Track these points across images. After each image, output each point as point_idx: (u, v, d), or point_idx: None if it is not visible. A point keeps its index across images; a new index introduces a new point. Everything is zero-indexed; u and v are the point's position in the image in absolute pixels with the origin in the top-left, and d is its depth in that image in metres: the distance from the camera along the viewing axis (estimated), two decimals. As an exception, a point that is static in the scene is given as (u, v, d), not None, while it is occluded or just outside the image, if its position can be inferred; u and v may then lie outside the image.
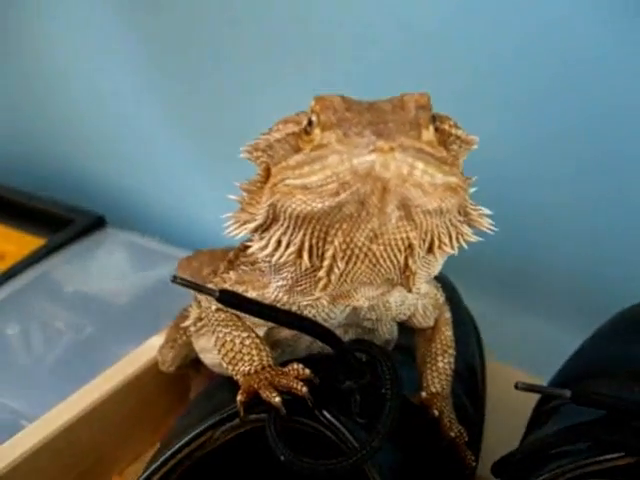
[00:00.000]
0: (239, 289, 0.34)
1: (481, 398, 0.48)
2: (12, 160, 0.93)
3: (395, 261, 0.30)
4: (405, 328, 0.39)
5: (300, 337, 0.35)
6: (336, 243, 0.28)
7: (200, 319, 0.40)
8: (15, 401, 0.61)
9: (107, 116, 0.82)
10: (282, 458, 0.29)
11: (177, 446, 0.33)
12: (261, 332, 0.35)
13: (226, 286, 0.34)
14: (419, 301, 0.36)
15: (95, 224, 0.78)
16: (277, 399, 0.30)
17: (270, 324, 0.34)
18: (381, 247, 0.29)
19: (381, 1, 0.58)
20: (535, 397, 0.45)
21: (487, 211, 0.32)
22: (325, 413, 0.31)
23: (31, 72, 0.85)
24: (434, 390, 0.37)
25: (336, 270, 0.29)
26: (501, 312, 0.59)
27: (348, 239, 0.28)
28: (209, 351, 0.40)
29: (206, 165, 0.77)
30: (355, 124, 0.27)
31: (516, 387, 0.30)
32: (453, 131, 0.31)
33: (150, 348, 0.49)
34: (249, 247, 0.33)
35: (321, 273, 0.30)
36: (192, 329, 0.41)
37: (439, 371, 0.37)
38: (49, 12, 0.79)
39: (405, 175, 0.26)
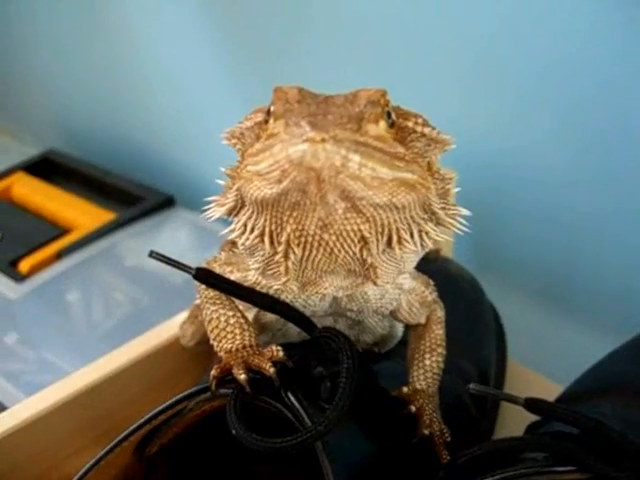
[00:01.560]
0: (226, 269, 0.36)
1: (491, 403, 0.48)
2: (92, 138, 0.99)
3: (350, 252, 0.30)
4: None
5: (287, 322, 0.36)
6: (288, 230, 0.30)
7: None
8: (69, 364, 0.65)
9: (182, 102, 0.86)
10: (233, 432, 0.30)
11: (153, 412, 0.35)
12: (250, 315, 0.36)
13: (215, 266, 0.36)
14: (402, 296, 0.36)
15: (164, 203, 0.83)
16: (243, 376, 0.32)
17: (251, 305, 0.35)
18: (333, 237, 0.30)
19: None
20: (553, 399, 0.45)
21: (464, 211, 0.32)
22: (290, 395, 0.32)
23: (113, 58, 0.90)
24: (418, 387, 0.37)
25: (291, 256, 0.31)
26: (541, 318, 0.58)
27: (300, 226, 0.29)
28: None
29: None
30: (296, 115, 0.28)
31: (469, 390, 0.30)
32: (418, 129, 0.31)
33: (175, 324, 0.52)
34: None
35: (278, 257, 0.31)
36: (197, 301, 0.43)
37: (425, 368, 0.38)
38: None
39: (338, 166, 0.27)
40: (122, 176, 0.87)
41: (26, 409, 0.47)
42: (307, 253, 0.30)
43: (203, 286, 0.36)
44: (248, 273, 0.35)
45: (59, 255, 0.76)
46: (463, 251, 0.58)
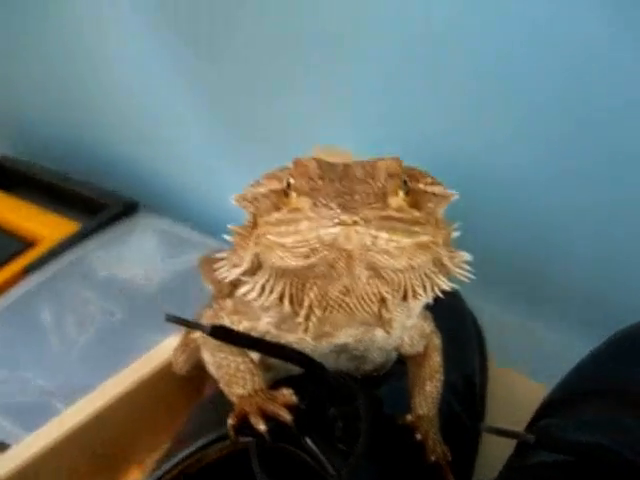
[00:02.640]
0: (234, 318, 0.37)
1: (479, 407, 0.51)
2: (48, 143, 0.97)
3: (369, 310, 0.32)
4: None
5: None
6: (312, 295, 0.31)
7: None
8: (48, 382, 0.66)
9: (142, 103, 0.85)
10: (261, 483, 0.32)
11: (170, 464, 0.36)
12: (255, 357, 0.38)
13: (222, 315, 0.37)
14: (405, 333, 0.38)
15: (128, 209, 0.82)
16: (262, 427, 0.33)
17: (261, 352, 0.37)
18: (354, 300, 0.31)
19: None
20: (536, 399, 0.47)
21: (467, 257, 0.34)
22: (307, 440, 0.34)
23: (65, 58, 0.89)
24: (421, 412, 0.40)
25: (313, 317, 0.32)
26: (512, 316, 0.61)
27: (323, 292, 0.31)
28: (211, 365, 0.43)
29: (239, 153, 0.80)
30: (324, 195, 0.29)
31: (482, 430, 0.32)
32: (429, 189, 0.33)
33: (166, 348, 0.53)
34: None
35: (299, 319, 0.33)
36: (200, 341, 0.44)
37: (426, 395, 0.40)
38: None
39: (368, 245, 0.29)
40: (81, 182, 0.86)
41: (23, 450, 0.48)
42: (327, 314, 0.32)
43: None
44: (258, 323, 0.36)
45: (26, 271, 0.75)
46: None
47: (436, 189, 0.33)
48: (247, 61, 0.72)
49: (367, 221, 0.28)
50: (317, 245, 0.29)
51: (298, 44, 0.67)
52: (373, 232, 0.28)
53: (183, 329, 0.51)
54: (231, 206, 0.85)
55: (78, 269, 0.77)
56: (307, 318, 0.32)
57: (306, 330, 0.33)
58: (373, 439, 0.33)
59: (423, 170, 0.33)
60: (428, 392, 0.40)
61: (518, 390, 0.54)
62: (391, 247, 0.29)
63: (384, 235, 0.29)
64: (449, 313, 0.48)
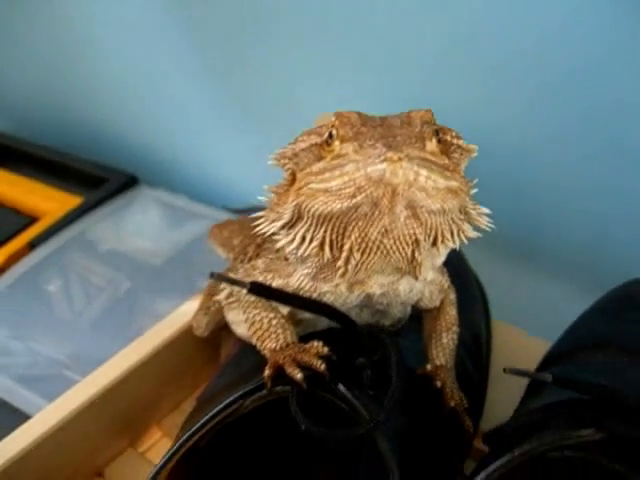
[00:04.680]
0: (267, 276, 0.40)
1: (485, 364, 0.54)
2: (49, 121, 0.98)
3: (404, 253, 0.35)
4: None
5: (319, 318, 0.41)
6: (353, 238, 0.34)
7: (231, 295, 0.46)
8: (59, 353, 0.68)
9: (138, 82, 0.87)
10: (302, 427, 0.35)
11: (211, 413, 0.39)
12: (285, 311, 0.40)
13: (255, 273, 0.40)
14: (426, 287, 0.41)
15: (128, 183, 0.84)
16: (299, 375, 0.36)
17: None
18: (391, 241, 0.34)
19: None
20: (538, 355, 0.51)
21: (486, 210, 0.37)
22: (340, 387, 0.37)
23: (64, 34, 0.90)
24: (438, 363, 0.43)
25: (353, 261, 0.35)
26: (511, 279, 0.64)
27: (363, 234, 0.34)
28: (238, 324, 0.46)
29: (233, 127, 0.82)
30: (369, 137, 0.32)
31: (504, 371, 0.36)
32: (455, 141, 0.36)
33: (185, 313, 0.56)
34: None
35: (339, 263, 0.35)
36: (224, 302, 0.47)
37: (443, 346, 0.43)
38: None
39: (411, 180, 0.31)
40: (80, 158, 0.88)
41: (54, 413, 0.51)
42: (365, 257, 0.35)
43: (244, 291, 0.40)
44: (290, 279, 0.39)
45: (32, 245, 0.77)
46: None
47: (461, 142, 0.36)
48: (243, 35, 0.73)
49: (410, 158, 0.31)
50: (364, 183, 0.32)
51: (299, 17, 0.69)
52: (415, 168, 0.31)
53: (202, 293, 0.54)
54: (226, 177, 0.87)
55: (82, 242, 0.79)
56: (347, 262, 0.35)
57: (344, 274, 0.36)
58: (401, 389, 0.36)
59: (450, 127, 0.36)
60: (445, 344, 0.43)
61: (516, 343, 0.57)
62: (429, 186, 0.32)
63: (424, 172, 0.32)
64: (456, 273, 0.51)
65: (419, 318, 0.46)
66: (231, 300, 0.46)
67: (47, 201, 0.83)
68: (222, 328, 0.53)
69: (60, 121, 0.95)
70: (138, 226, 0.81)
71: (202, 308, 0.53)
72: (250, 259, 0.43)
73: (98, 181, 0.84)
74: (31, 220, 0.80)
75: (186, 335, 0.55)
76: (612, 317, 0.50)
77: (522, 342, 0.58)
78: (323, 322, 0.42)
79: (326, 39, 0.69)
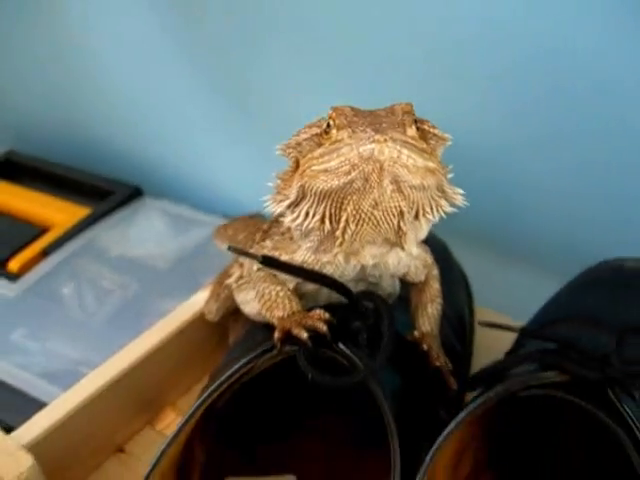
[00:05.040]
0: (274, 254, 0.46)
1: (469, 342, 0.61)
2: (50, 138, 1.05)
3: (391, 224, 0.42)
4: (404, 283, 0.51)
5: (320, 290, 0.47)
6: (348, 210, 0.41)
7: (241, 277, 0.52)
8: (73, 351, 0.73)
9: (140, 95, 0.93)
10: (310, 376, 0.41)
11: (229, 372, 0.45)
12: (291, 285, 0.47)
13: (265, 252, 0.46)
14: (412, 262, 0.47)
15: (133, 194, 0.91)
16: (305, 335, 0.43)
17: (298, 280, 0.46)
18: (380, 212, 0.41)
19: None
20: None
21: (460, 191, 0.44)
22: (340, 345, 0.43)
23: (66, 52, 0.95)
24: (424, 330, 0.49)
25: (349, 231, 0.42)
26: (490, 266, 0.71)
27: (357, 207, 0.41)
28: (248, 303, 0.52)
29: (234, 139, 0.88)
30: (360, 125, 0.39)
31: (479, 324, 0.42)
32: (431, 130, 0.43)
33: (196, 302, 0.62)
34: (280, 221, 0.47)
35: (337, 233, 0.42)
36: (234, 285, 0.54)
37: (428, 315, 0.50)
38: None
39: (395, 158, 0.38)
40: (87, 172, 0.94)
41: (75, 397, 0.56)
42: (359, 227, 0.42)
43: (255, 268, 0.46)
44: (294, 255, 0.46)
45: (45, 253, 0.83)
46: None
47: (436, 131, 0.43)
48: (243, 48, 0.79)
49: (394, 140, 0.38)
50: (357, 161, 0.39)
51: (296, 30, 0.74)
52: (398, 148, 0.38)
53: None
54: (224, 186, 0.93)
55: (92, 249, 0.85)
56: (344, 232, 0.42)
57: (342, 244, 0.43)
58: (392, 344, 0.43)
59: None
60: (430, 313, 0.50)
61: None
62: (410, 163, 0.39)
63: (405, 151, 0.39)
64: (440, 260, 0.57)
65: (407, 299, 0.52)
66: (241, 282, 0.52)
67: (58, 213, 0.89)
68: (231, 314, 0.60)
69: (65, 137, 1.01)
70: (144, 234, 0.87)
71: (212, 295, 0.59)
72: (258, 243, 0.50)
73: (105, 193, 0.91)
74: (43, 230, 0.86)
75: (198, 322, 0.61)
76: (578, 294, 0.57)
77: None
78: (323, 296, 0.48)
79: (323, 52, 0.75)
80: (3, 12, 0.97)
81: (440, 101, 0.65)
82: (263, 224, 0.53)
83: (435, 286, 0.50)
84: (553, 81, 0.64)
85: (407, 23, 0.68)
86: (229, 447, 0.52)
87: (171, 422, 0.62)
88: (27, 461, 0.47)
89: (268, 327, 0.48)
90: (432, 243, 0.51)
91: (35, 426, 0.52)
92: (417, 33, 0.68)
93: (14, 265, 0.82)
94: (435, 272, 0.50)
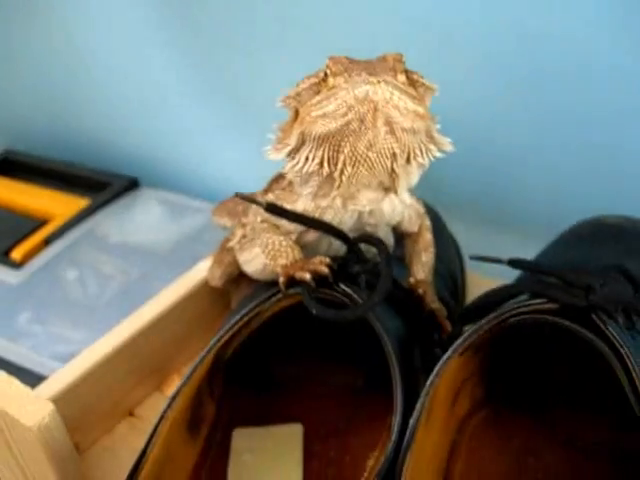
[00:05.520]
0: (277, 204, 0.49)
1: (461, 297, 0.64)
2: (45, 135, 1.08)
3: (385, 165, 0.45)
4: (398, 242, 0.55)
5: (320, 241, 0.51)
6: (345, 152, 0.44)
7: (244, 237, 0.55)
8: (77, 333, 0.76)
9: (136, 89, 0.96)
10: (314, 311, 0.44)
11: (238, 316, 0.48)
12: (292, 237, 0.50)
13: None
14: (405, 210, 0.51)
15: (130, 185, 0.94)
16: (308, 276, 0.46)
17: (299, 229, 0.49)
18: (375, 154, 0.44)
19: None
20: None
21: (448, 138, 0.47)
22: (341, 285, 0.46)
23: (63, 47, 0.98)
24: (419, 277, 0.53)
25: (346, 172, 0.45)
26: (478, 233, 0.74)
27: (353, 148, 0.44)
28: (250, 261, 0.55)
29: (229, 129, 0.91)
30: (355, 69, 0.43)
31: (470, 258, 0.45)
32: (420, 79, 0.46)
33: (199, 270, 0.65)
34: (280, 178, 0.50)
35: (335, 175, 0.45)
36: (237, 247, 0.57)
37: (422, 263, 0.53)
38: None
39: (387, 98, 0.42)
40: (84, 166, 0.97)
41: (89, 358, 0.59)
42: (355, 169, 0.45)
43: (259, 220, 0.50)
44: (296, 204, 0.49)
45: (47, 242, 0.86)
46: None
47: (424, 80, 0.47)
48: (237, 43, 0.83)
49: (387, 82, 0.42)
50: (352, 102, 0.42)
51: (287, 29, 0.78)
52: (390, 89, 0.42)
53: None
54: (218, 175, 0.96)
55: (92, 237, 0.88)
56: (341, 174, 0.45)
57: (340, 186, 0.46)
58: (390, 281, 0.46)
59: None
60: (424, 261, 0.53)
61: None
62: (401, 105, 0.42)
63: (397, 93, 0.42)
64: (433, 226, 0.60)
65: (401, 258, 0.56)
66: (244, 241, 0.55)
67: (57, 205, 0.92)
68: (233, 280, 0.63)
69: (61, 134, 1.04)
70: (141, 221, 0.90)
71: (216, 261, 0.62)
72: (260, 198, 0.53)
73: (102, 185, 0.94)
74: (44, 222, 0.89)
75: (202, 289, 0.64)
76: (562, 249, 0.60)
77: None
78: (323, 246, 0.51)
79: (309, 43, 0.78)
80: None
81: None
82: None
83: (428, 236, 0.53)
84: (537, 60, 0.67)
85: (390, 12, 0.72)
86: (238, 398, 0.55)
87: (178, 388, 0.64)
88: (48, 406, 0.49)
89: (269, 287, 0.51)
90: (427, 213, 0.55)
91: (51, 387, 0.55)
92: (401, 20, 0.72)
93: (17, 254, 0.85)
94: (427, 223, 0.53)
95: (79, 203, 0.92)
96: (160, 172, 0.97)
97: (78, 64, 0.99)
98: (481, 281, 0.68)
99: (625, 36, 0.62)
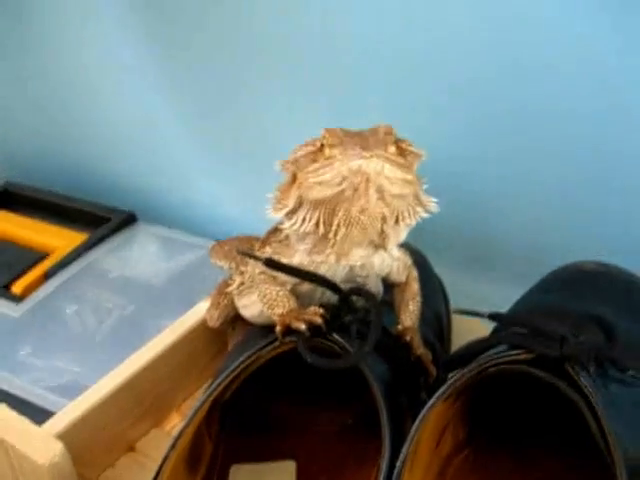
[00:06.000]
0: (274, 258, 0.53)
1: (447, 340, 0.68)
2: (43, 168, 1.11)
3: (376, 227, 0.50)
4: (387, 289, 0.59)
5: (314, 291, 0.55)
6: (340, 215, 0.49)
7: (242, 284, 0.59)
8: (76, 366, 0.79)
9: (133, 125, 1.00)
10: (309, 360, 0.48)
11: (237, 363, 0.52)
12: (288, 287, 0.54)
13: (265, 256, 0.54)
14: (394, 263, 0.55)
15: (128, 220, 0.97)
16: (303, 326, 0.50)
17: (294, 280, 0.53)
18: (366, 217, 0.49)
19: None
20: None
21: (434, 199, 0.52)
22: (334, 335, 0.50)
23: (60, 81, 1.02)
24: (407, 325, 0.57)
25: (340, 233, 0.49)
26: (463, 275, 0.78)
27: (347, 212, 0.48)
28: (248, 307, 0.59)
29: (226, 168, 0.95)
30: (350, 143, 0.47)
31: (454, 312, 0.50)
32: (408, 148, 0.50)
33: (198, 311, 0.69)
34: (277, 231, 0.54)
35: (330, 235, 0.50)
36: (235, 292, 0.61)
37: (410, 311, 0.57)
38: (74, 19, 0.96)
39: (379, 170, 0.46)
40: (83, 200, 1.01)
41: (93, 395, 0.62)
42: (349, 230, 0.49)
43: (257, 272, 0.54)
44: (292, 258, 0.53)
45: (46, 276, 0.89)
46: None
47: (412, 148, 0.51)
48: (234, 80, 0.86)
49: (378, 156, 0.46)
50: (347, 173, 0.46)
51: (284, 64, 0.82)
52: (382, 162, 0.46)
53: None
54: (215, 212, 0.99)
55: (91, 272, 0.91)
56: (335, 234, 0.50)
57: (334, 245, 0.50)
58: (380, 331, 0.50)
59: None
60: (411, 310, 0.57)
61: (476, 330, 0.70)
62: (391, 176, 0.47)
63: (388, 165, 0.46)
64: (420, 270, 0.64)
65: (390, 303, 0.60)
66: (242, 288, 0.59)
67: (57, 239, 0.95)
68: (230, 322, 0.67)
69: (60, 168, 1.08)
70: (139, 257, 0.94)
71: (213, 303, 0.66)
72: (258, 250, 0.57)
73: (101, 220, 0.97)
74: (44, 256, 0.92)
75: (200, 329, 0.68)
76: (542, 293, 0.65)
77: (481, 329, 0.71)
78: (317, 296, 0.55)
79: (306, 79, 0.82)
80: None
81: (416, 119, 0.71)
82: (257, 241, 0.60)
83: (415, 286, 0.58)
84: (519, 94, 0.70)
85: (375, 46, 0.75)
86: (234, 437, 0.58)
87: (176, 424, 0.68)
88: (58, 445, 0.53)
89: (265, 330, 0.55)
90: (413, 255, 0.59)
91: (60, 419, 0.59)
92: (389, 55, 0.75)
93: (17, 288, 0.88)
94: (415, 274, 0.58)
95: (78, 237, 0.95)
96: (158, 208, 1.01)
97: (77, 100, 1.02)
98: (465, 320, 0.72)
99: (613, 75, 0.66)
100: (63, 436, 0.56)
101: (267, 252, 0.55)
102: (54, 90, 1.04)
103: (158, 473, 0.49)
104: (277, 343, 0.52)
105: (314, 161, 0.49)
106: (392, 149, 0.48)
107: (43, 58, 1.02)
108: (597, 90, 0.67)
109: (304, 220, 0.50)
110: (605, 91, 0.66)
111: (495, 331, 0.60)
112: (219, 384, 0.53)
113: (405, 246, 0.57)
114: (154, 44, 0.91)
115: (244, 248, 0.54)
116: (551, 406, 0.54)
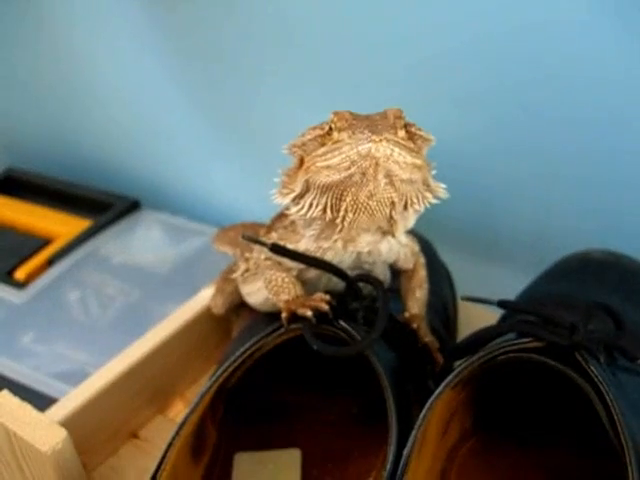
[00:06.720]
0: (280, 244, 0.53)
1: (453, 328, 0.68)
2: (47, 154, 1.11)
3: (384, 213, 0.49)
4: (394, 276, 0.58)
5: (320, 278, 0.54)
6: (347, 201, 0.48)
7: (247, 270, 0.59)
8: (80, 353, 0.79)
9: (135, 117, 0.99)
10: (315, 347, 0.48)
11: (242, 349, 0.52)
12: (294, 274, 0.54)
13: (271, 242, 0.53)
14: (401, 249, 0.55)
15: (132, 207, 0.97)
16: (309, 313, 0.50)
17: (300, 267, 0.53)
18: (374, 203, 0.48)
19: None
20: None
21: (443, 185, 0.51)
22: (340, 321, 0.50)
23: (65, 66, 1.02)
24: (414, 312, 0.56)
25: (347, 219, 0.49)
26: (471, 264, 0.78)
27: (355, 197, 0.47)
28: (253, 293, 0.59)
29: (230, 153, 0.95)
30: (359, 127, 0.46)
31: (462, 299, 0.49)
32: (417, 132, 0.50)
33: (202, 298, 0.68)
34: (283, 216, 0.54)
35: (338, 221, 0.49)
36: (240, 279, 0.60)
37: (417, 299, 0.57)
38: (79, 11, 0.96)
39: (388, 155, 0.45)
40: (87, 187, 1.01)
41: (96, 382, 0.62)
42: (356, 216, 0.48)
43: (262, 257, 0.53)
44: (298, 244, 0.52)
45: (50, 262, 0.89)
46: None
47: (422, 132, 0.50)
48: (240, 65, 0.86)
49: (387, 140, 0.45)
50: (356, 158, 0.45)
51: (288, 51, 0.81)
52: (392, 146, 0.45)
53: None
54: (219, 198, 0.99)
55: (94, 258, 0.91)
56: (343, 220, 0.49)
57: (341, 231, 0.49)
58: (386, 318, 0.50)
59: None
60: (418, 297, 0.57)
61: (483, 318, 0.70)
62: (400, 160, 0.46)
63: (397, 150, 0.45)
64: (427, 258, 0.64)
65: (397, 291, 0.59)
66: (247, 275, 0.59)
67: (60, 225, 0.95)
68: (235, 309, 0.66)
69: (64, 154, 1.07)
70: (143, 243, 0.93)
71: (218, 290, 0.66)
72: (264, 236, 0.56)
73: (104, 206, 0.97)
74: (47, 242, 0.92)
75: (204, 317, 0.67)
76: (550, 282, 0.64)
77: (488, 317, 0.71)
78: (323, 283, 0.55)
79: (312, 71, 0.81)
80: (2, 34, 1.04)
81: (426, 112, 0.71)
82: (262, 227, 0.59)
83: (422, 273, 0.57)
84: (530, 95, 0.70)
85: (389, 38, 0.75)
86: (239, 425, 0.58)
87: (180, 411, 0.68)
88: (61, 432, 0.53)
89: (269, 317, 0.55)
90: (420, 243, 0.59)
91: (63, 406, 0.59)
92: (400, 46, 0.75)
93: (21, 274, 0.88)
94: (422, 260, 0.57)
95: (82, 223, 0.95)
96: (161, 194, 1.01)
97: (82, 85, 1.02)
98: (472, 308, 0.72)
99: (622, 81, 0.65)
100: (66, 423, 0.56)
101: (273, 238, 0.54)
102: (59, 75, 1.04)
103: (162, 460, 0.49)
104: (282, 330, 0.51)
105: (322, 145, 0.48)
106: (402, 133, 0.47)
107: (49, 43, 1.02)
108: (610, 94, 0.66)
109: (311, 205, 0.49)
110: (618, 94, 0.66)
111: (503, 319, 0.60)
112: (223, 371, 0.52)
113: (412, 233, 0.57)
114: (157, 31, 0.91)
115: (250, 234, 0.53)
116: (557, 395, 0.53)
